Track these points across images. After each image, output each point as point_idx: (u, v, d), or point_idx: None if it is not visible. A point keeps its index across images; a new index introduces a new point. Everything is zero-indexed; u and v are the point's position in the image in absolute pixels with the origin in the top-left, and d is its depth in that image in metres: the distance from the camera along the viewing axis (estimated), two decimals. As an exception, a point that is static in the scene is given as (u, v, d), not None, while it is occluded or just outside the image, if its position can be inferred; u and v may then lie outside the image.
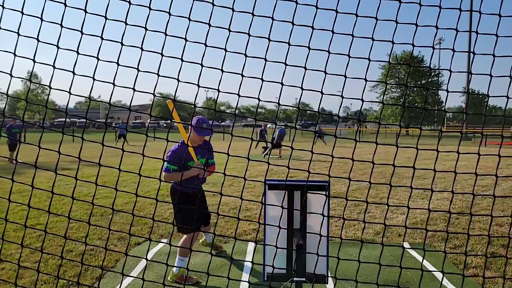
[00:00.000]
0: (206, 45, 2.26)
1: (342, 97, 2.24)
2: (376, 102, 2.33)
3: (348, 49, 2.28)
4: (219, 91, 2.28)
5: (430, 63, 2.20)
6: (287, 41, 2.28)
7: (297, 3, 2.26)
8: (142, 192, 8.50)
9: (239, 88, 2.34)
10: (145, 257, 1.80)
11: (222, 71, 2.29)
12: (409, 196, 1.89)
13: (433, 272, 4.42)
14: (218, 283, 4.17)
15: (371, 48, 2.24)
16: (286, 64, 2.30)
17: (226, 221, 6.56)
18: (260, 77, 2.28)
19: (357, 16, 2.21)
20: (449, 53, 2.03)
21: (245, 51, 2.31)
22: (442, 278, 2.10)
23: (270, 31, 2.28)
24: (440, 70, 57.17)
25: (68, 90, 2.14)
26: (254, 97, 2.29)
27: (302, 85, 2.30)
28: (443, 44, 61.58)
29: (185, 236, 4.35)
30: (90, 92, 2.18)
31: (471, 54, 2.20)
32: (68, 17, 2.27)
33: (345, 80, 2.26)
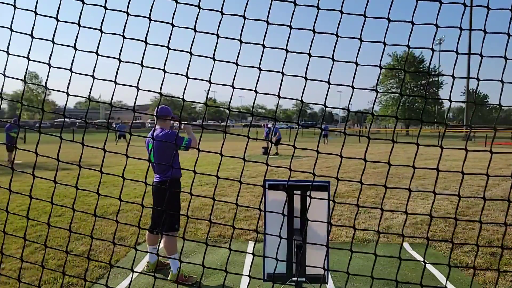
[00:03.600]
0: (195, 31, 1.93)
1: (353, 87, 1.91)
2: (393, 93, 2.08)
3: (360, 32, 1.89)
4: (210, 83, 1.96)
5: (456, 48, 1.94)
6: (288, 24, 1.92)
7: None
8: (141, 192, 8.48)
9: (234, 79, 1.99)
10: (131, 269, 1.77)
11: (214, 59, 1.95)
12: (433, 199, 1.86)
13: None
14: (218, 283, 4.16)
15: (387, 30, 1.89)
16: (287, 51, 1.93)
17: (226, 221, 6.56)
18: (258, 66, 1.95)
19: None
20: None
21: (240, 37, 1.93)
22: None
23: (268, 13, 1.93)
24: (440, 70, 57.10)
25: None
26: (250, 89, 1.97)
27: (306, 74, 1.95)
28: (443, 44, 61.66)
29: (169, 234, 4.23)
30: (68, 86, 2.05)
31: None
32: (63, 10, 2.16)
33: (356, 68, 1.90)
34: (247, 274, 1.80)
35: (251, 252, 5.12)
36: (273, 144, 19.39)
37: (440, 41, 61.31)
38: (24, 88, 2.15)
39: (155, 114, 4.41)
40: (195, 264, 1.82)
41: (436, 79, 57.75)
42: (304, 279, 3.41)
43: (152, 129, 4.42)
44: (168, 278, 4.24)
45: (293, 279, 3.40)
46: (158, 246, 3.75)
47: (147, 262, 4.47)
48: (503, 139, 39.24)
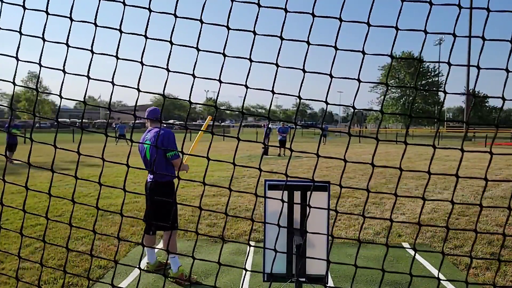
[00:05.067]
0: (176, 16, 1.69)
1: (359, 81, 1.71)
2: (406, 87, 1.90)
3: (367, 17, 1.62)
4: (194, 77, 1.75)
5: (482, 34, 1.69)
6: (283, 7, 1.67)
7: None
8: (141, 192, 8.47)
9: (220, 73, 1.76)
10: (111, 283, 1.76)
11: (198, 49, 1.71)
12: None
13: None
14: (218, 283, 4.17)
15: (399, 14, 1.62)
16: (282, 39, 1.68)
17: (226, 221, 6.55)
18: (248, 57, 1.71)
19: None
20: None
21: (227, 23, 1.68)
22: None
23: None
24: (440, 70, 57.05)
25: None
26: (241, 84, 1.76)
27: (304, 66, 1.70)
28: (443, 44, 61.74)
29: (167, 233, 4.24)
30: (35, 83, 2.05)
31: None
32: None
33: (363, 58, 1.67)
34: None
35: (252, 252, 5.12)
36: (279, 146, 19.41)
37: (440, 42, 61.45)
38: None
39: (145, 115, 4.44)
40: (183, 282, 1.82)
41: (436, 79, 57.77)
42: (304, 279, 3.41)
43: (147, 130, 4.42)
44: (168, 278, 4.25)
45: (293, 279, 3.40)
46: (143, 251, 3.75)
47: (147, 263, 4.47)
48: (504, 139, 39.26)
